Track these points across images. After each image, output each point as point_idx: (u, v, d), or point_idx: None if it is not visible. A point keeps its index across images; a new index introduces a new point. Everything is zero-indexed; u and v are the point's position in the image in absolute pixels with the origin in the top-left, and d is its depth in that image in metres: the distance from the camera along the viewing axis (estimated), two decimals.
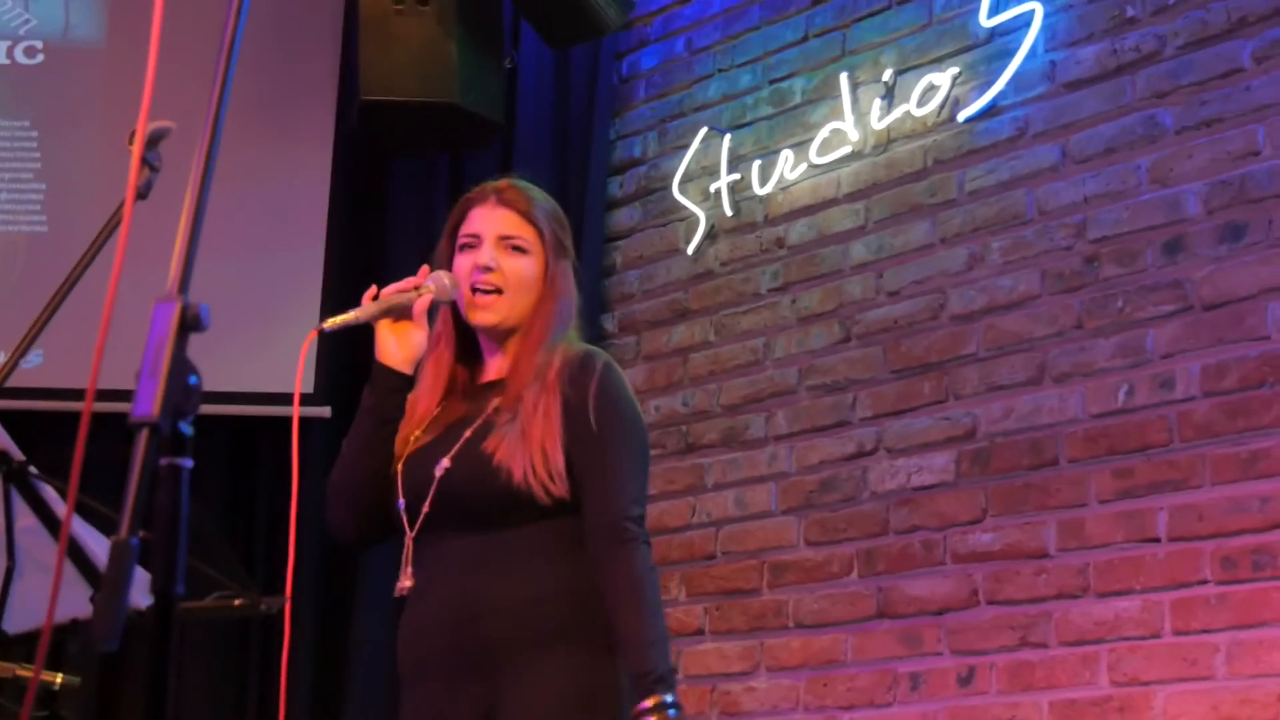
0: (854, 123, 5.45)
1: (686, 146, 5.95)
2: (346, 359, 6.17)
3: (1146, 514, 4.50)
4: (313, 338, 3.22)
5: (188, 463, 1.73)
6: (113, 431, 2.34)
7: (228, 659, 6.04)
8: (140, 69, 2.01)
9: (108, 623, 1.59)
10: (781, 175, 5.63)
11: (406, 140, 6.18)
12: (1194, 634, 4.35)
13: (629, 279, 6.09)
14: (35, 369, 5.81)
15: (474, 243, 3.30)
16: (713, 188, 5.81)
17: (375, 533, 3.31)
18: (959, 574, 4.86)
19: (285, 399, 5.95)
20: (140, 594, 2.09)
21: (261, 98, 6.15)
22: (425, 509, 3.14)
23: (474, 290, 3.24)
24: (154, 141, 3.00)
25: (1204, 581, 4.36)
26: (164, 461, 1.72)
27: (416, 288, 3.26)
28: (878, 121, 5.39)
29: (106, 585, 1.59)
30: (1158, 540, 4.47)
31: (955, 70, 5.21)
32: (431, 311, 3.29)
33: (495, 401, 3.19)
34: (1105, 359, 4.68)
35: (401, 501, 3.19)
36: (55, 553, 2.85)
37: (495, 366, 3.30)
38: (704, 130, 5.90)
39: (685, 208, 5.91)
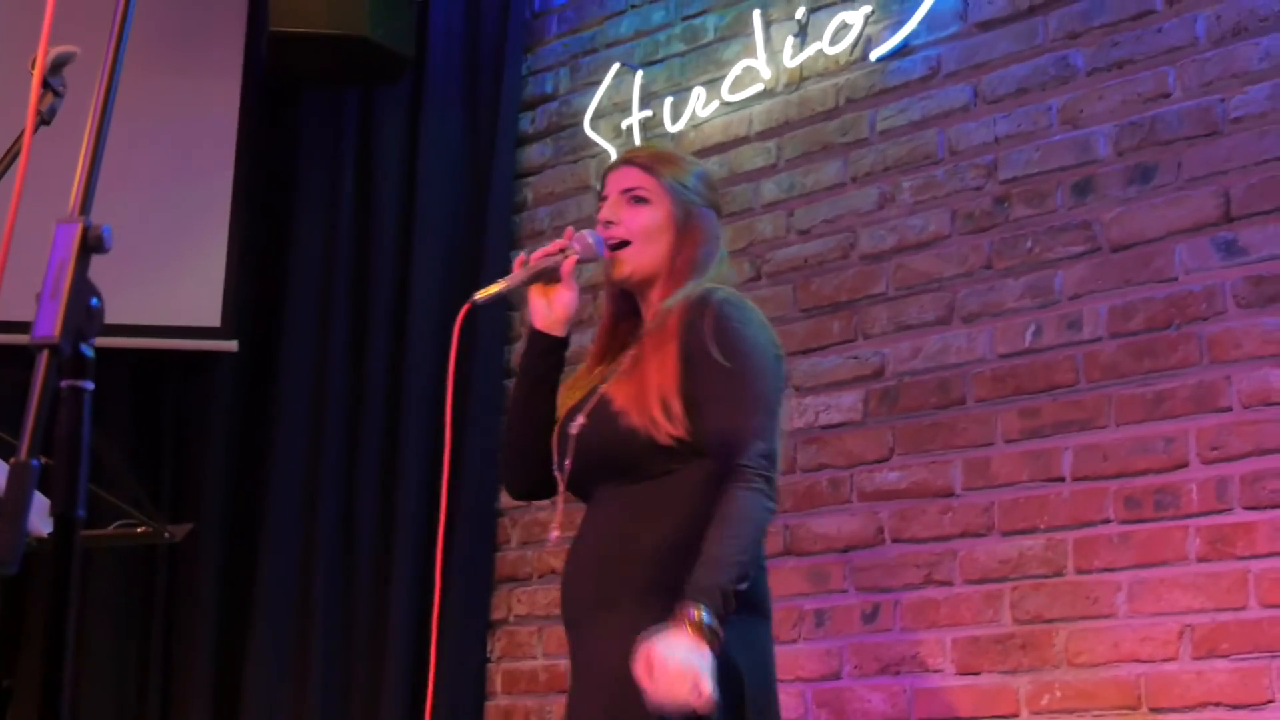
0: (766, 60, 5.43)
1: (598, 83, 5.92)
2: (253, 292, 6.15)
3: (1052, 453, 4.53)
4: (466, 310, 3.26)
5: (89, 385, 1.71)
6: (14, 360, 2.31)
7: (134, 590, 6.00)
8: None
9: (8, 545, 1.57)
10: (694, 112, 5.62)
11: (316, 73, 6.12)
12: (1096, 572, 4.39)
13: (539, 215, 6.06)
14: None
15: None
16: (625, 124, 5.78)
17: (541, 490, 3.43)
18: (865, 512, 4.88)
19: (190, 332, 5.96)
20: (42, 521, 2.06)
21: (170, 29, 6.07)
22: (568, 465, 3.27)
23: (609, 248, 3.35)
24: (57, 66, 2.95)
25: (1107, 520, 4.39)
26: (65, 383, 1.71)
27: (562, 250, 3.35)
28: (790, 59, 5.38)
29: (6, 507, 1.57)
30: (1062, 480, 4.50)
31: (868, 9, 5.20)
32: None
33: (632, 353, 3.31)
34: (1014, 299, 4.70)
35: (554, 460, 3.33)
36: None
37: (647, 322, 3.39)
38: (616, 66, 5.87)
39: (597, 144, 5.89)
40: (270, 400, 6.08)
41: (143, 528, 3.93)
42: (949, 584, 4.65)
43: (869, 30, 5.21)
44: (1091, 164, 4.63)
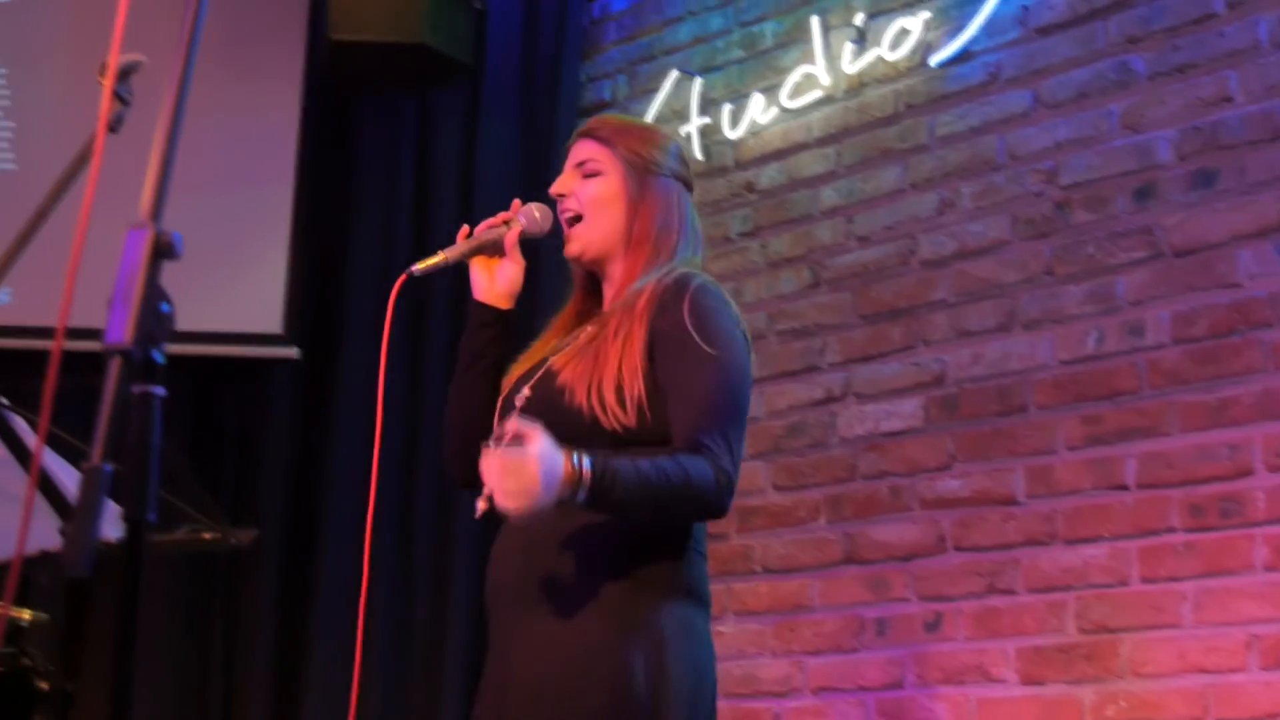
0: (825, 66, 5.42)
1: (657, 90, 5.91)
2: (312, 298, 6.16)
3: (1115, 461, 4.51)
4: (402, 281, 3.12)
5: (160, 390, 1.72)
6: (84, 364, 2.31)
7: (194, 595, 6.02)
8: (111, 5, 1.99)
9: (79, 548, 1.57)
10: (752, 119, 5.61)
11: (374, 80, 6.16)
12: (1161, 582, 4.36)
13: None
14: (4, 307, 5.76)
15: None
16: (683, 131, 5.77)
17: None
18: (926, 520, 4.86)
19: (251, 339, 5.99)
20: (110, 526, 2.07)
21: (231, 36, 6.10)
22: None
23: (567, 223, 3.21)
24: (125, 74, 2.96)
25: (1172, 529, 4.36)
26: (136, 389, 1.71)
27: (507, 222, 3.24)
28: (849, 65, 5.37)
29: (78, 510, 1.58)
30: (1126, 488, 4.47)
31: (927, 14, 5.19)
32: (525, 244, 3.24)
33: (589, 329, 3.12)
34: (1075, 305, 4.67)
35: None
36: (24, 484, 2.82)
37: (608, 300, 3.22)
38: (675, 73, 5.87)
39: None
40: (329, 406, 6.09)
41: (210, 533, 3.93)
42: (1012, 593, 4.63)
43: (928, 36, 5.19)
44: (1153, 169, 4.60)
